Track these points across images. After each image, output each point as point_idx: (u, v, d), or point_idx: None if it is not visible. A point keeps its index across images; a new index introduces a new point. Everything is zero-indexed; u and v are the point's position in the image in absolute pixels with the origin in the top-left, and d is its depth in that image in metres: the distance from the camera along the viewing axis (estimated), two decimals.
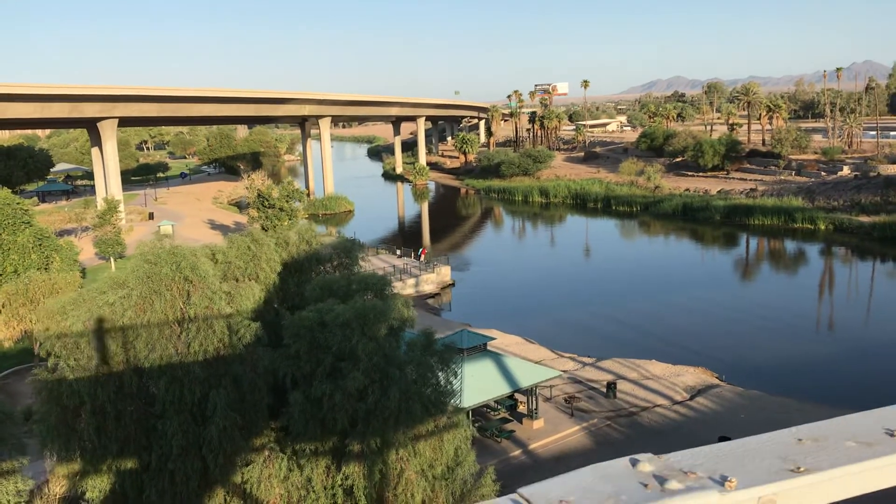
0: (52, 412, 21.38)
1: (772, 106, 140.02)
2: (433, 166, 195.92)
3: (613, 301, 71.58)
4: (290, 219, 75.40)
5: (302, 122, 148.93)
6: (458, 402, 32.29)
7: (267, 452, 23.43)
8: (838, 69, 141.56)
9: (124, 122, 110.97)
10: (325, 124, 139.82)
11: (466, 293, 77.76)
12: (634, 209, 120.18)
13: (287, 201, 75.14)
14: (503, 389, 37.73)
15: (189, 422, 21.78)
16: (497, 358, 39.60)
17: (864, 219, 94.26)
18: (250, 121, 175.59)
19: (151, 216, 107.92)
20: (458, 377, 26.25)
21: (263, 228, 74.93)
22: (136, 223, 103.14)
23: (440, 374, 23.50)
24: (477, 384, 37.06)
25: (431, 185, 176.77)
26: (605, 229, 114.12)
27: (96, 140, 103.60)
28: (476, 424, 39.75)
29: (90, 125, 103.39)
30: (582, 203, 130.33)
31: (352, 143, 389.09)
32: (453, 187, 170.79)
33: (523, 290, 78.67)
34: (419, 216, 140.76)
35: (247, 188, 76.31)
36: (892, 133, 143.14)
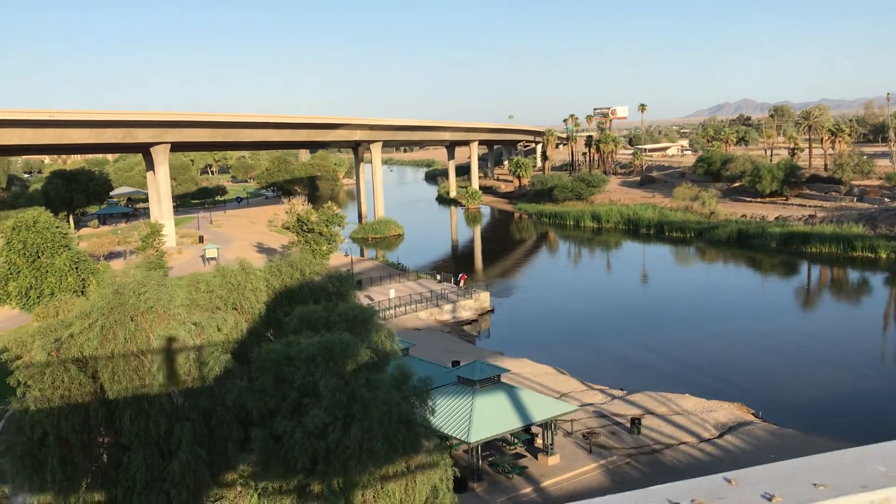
0: (18, 443, 21.24)
1: (834, 130, 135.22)
2: (487, 190, 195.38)
3: (656, 330, 69.43)
4: (328, 243, 75.54)
5: (355, 146, 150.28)
6: (467, 435, 31.26)
7: (238, 488, 22.87)
8: None
9: (177, 147, 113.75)
10: (376, 149, 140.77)
11: (505, 320, 76.58)
12: (688, 235, 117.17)
13: (327, 226, 75.33)
14: (514, 424, 36.48)
15: (155, 455, 21.38)
16: (511, 390, 38.39)
17: None
18: (302, 146, 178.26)
19: (201, 239, 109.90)
20: (435, 413, 25.28)
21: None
22: (186, 246, 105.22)
23: (417, 411, 22.64)
24: (487, 417, 35.94)
25: (485, 210, 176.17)
26: (657, 256, 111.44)
27: (150, 164, 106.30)
28: (489, 459, 38.66)
29: (144, 150, 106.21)
30: (634, 228, 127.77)
31: (412, 166, 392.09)
32: (507, 211, 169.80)
33: (564, 318, 77.08)
34: (470, 240, 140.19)
35: (287, 212, 76.73)
36: None
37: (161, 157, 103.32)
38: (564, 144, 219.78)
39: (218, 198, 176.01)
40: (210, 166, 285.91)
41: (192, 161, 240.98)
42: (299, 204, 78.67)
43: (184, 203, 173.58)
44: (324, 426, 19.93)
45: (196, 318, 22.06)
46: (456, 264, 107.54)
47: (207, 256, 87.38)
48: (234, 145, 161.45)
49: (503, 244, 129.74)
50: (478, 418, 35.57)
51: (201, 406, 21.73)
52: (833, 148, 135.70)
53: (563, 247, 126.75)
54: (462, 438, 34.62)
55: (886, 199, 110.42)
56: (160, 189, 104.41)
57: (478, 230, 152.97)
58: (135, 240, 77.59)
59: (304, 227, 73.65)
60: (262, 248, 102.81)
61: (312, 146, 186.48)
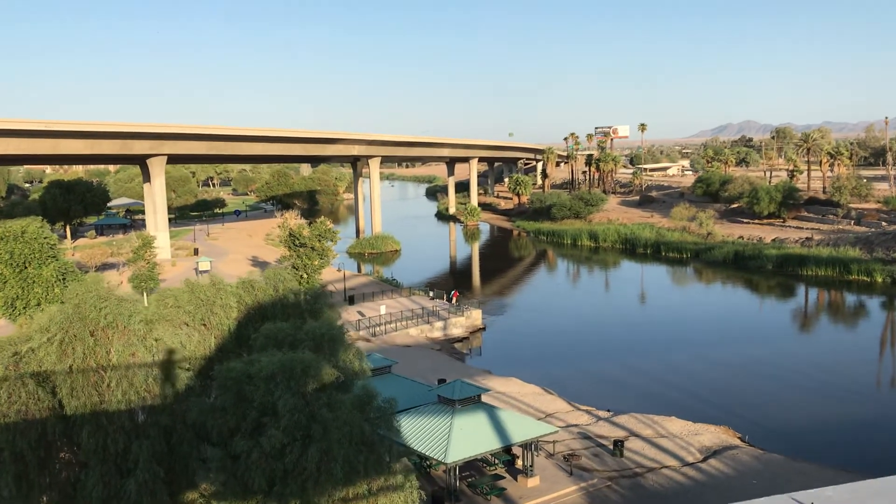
0: None
1: (833, 153, 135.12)
2: (487, 207, 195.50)
3: (647, 352, 69.02)
4: (321, 258, 75.31)
5: (353, 161, 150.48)
6: (444, 456, 30.69)
7: None
8: None
9: (174, 159, 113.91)
10: (374, 164, 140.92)
11: (497, 338, 76.15)
12: (685, 255, 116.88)
13: (319, 240, 75.12)
14: (493, 444, 36.06)
15: (112, 473, 21.06)
16: (491, 410, 37.98)
17: None
18: (300, 160, 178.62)
19: (197, 252, 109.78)
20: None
21: (294, 267, 75.16)
22: (181, 258, 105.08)
23: (381, 432, 22.31)
24: (466, 437, 35.53)
25: (484, 227, 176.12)
26: (653, 276, 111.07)
27: (147, 176, 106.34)
28: (469, 479, 38.22)
29: (141, 162, 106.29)
30: (631, 248, 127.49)
31: (413, 182, 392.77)
32: (505, 229, 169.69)
33: (556, 337, 76.67)
34: (468, 257, 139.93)
35: (279, 227, 76.55)
36: None
37: (157, 168, 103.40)
38: (565, 163, 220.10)
39: (217, 210, 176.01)
40: (211, 179, 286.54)
41: (193, 173, 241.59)
42: (292, 218, 78.46)
43: (182, 215, 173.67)
44: (282, 447, 19.62)
45: (159, 334, 21.79)
46: (452, 281, 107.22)
47: (200, 269, 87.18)
48: (231, 158, 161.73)
49: (500, 262, 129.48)
50: (456, 438, 35.18)
51: (161, 423, 21.43)
52: (832, 170, 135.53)
53: (559, 265, 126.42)
54: (439, 458, 34.21)
55: (884, 223, 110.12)
56: (156, 201, 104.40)
57: (476, 247, 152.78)
58: (126, 251, 77.43)
59: (296, 242, 73.44)
60: (256, 262, 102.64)
61: (310, 160, 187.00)
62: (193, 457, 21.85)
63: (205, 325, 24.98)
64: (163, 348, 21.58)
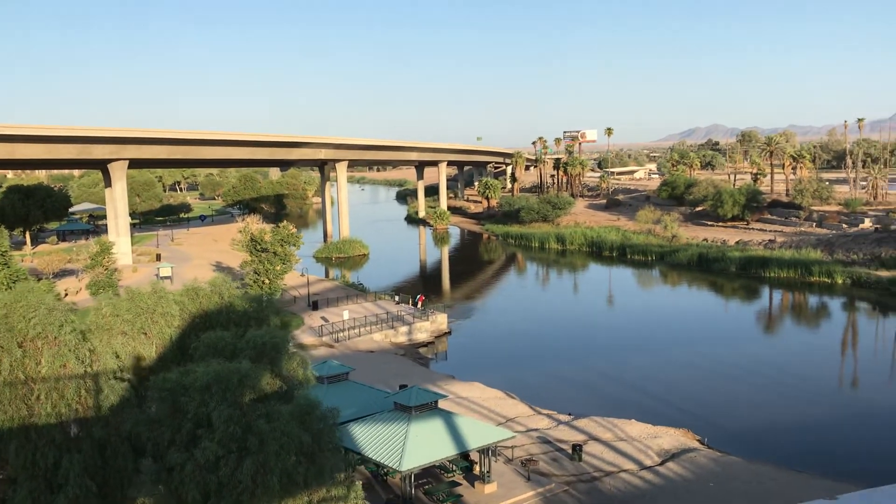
0: None
1: (795, 156, 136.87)
2: (457, 211, 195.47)
3: (611, 354, 69.22)
4: (283, 263, 74.51)
5: (321, 165, 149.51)
6: (399, 464, 30.21)
7: None
8: (860, 120, 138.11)
9: (136, 163, 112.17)
10: (341, 168, 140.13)
11: (462, 342, 75.84)
12: (650, 258, 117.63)
13: (282, 245, 74.32)
14: (449, 451, 35.70)
15: (42, 489, 20.41)
16: (448, 417, 37.62)
17: (884, 273, 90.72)
18: (266, 164, 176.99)
19: (159, 257, 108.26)
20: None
21: (256, 273, 74.29)
22: (142, 264, 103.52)
23: (324, 442, 21.85)
24: (422, 445, 35.13)
25: (454, 230, 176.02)
26: (618, 278, 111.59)
27: (109, 181, 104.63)
28: (426, 487, 37.82)
29: (102, 166, 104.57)
30: (598, 251, 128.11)
31: (384, 185, 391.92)
32: (475, 232, 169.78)
33: (521, 340, 76.61)
34: (437, 262, 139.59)
35: (240, 232, 75.66)
36: None
37: (119, 173, 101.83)
38: (534, 166, 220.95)
39: (182, 215, 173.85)
40: (179, 183, 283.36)
41: (159, 178, 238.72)
42: (254, 223, 77.58)
43: (147, 220, 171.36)
44: (216, 459, 19.12)
45: (94, 344, 21.17)
46: (422, 285, 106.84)
47: (161, 275, 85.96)
48: (196, 163, 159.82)
49: (468, 265, 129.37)
50: (411, 445, 34.77)
51: (95, 436, 20.81)
52: (794, 174, 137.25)
53: (526, 268, 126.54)
54: (394, 467, 33.78)
55: (844, 226, 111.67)
56: (117, 206, 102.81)
57: (445, 251, 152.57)
58: (84, 258, 76.02)
59: (258, 247, 72.58)
60: (219, 267, 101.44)
61: (277, 164, 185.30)
62: (129, 470, 21.24)
63: (145, 333, 24.38)
64: (97, 359, 20.97)
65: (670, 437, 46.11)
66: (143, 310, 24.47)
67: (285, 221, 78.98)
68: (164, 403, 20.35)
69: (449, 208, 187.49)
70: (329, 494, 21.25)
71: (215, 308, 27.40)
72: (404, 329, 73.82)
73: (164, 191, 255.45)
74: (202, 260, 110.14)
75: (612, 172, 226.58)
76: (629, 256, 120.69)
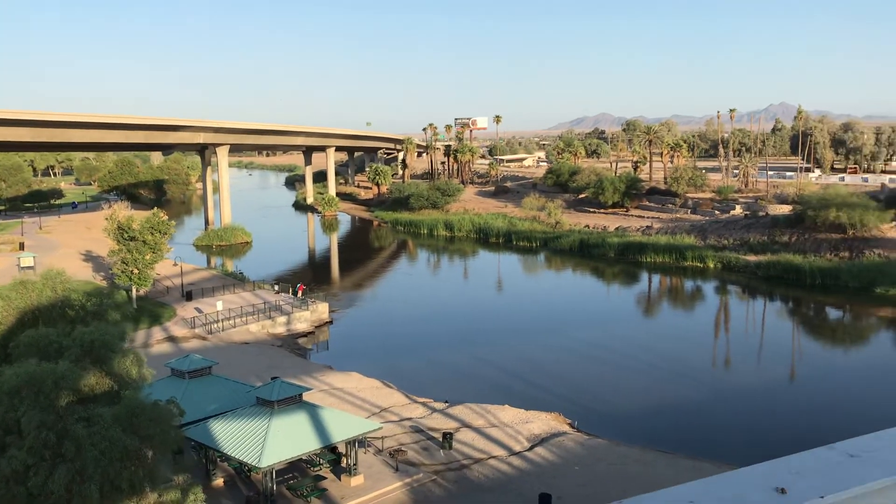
0: None
1: (673, 145, 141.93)
2: (347, 197, 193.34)
3: (491, 340, 69.66)
4: (153, 252, 71.31)
5: (201, 149, 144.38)
6: (259, 460, 29.04)
7: None
8: (731, 110, 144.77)
9: None
10: (222, 153, 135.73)
11: (344, 332, 74.80)
12: (534, 244, 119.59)
13: (151, 233, 71.04)
14: (313, 445, 34.82)
15: None
16: (312, 410, 36.68)
17: (752, 258, 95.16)
18: (140, 148, 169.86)
19: (22, 246, 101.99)
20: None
21: (124, 262, 70.81)
22: (4, 253, 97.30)
23: (154, 442, 20.59)
24: (283, 439, 34.11)
25: (344, 217, 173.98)
26: (504, 265, 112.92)
27: None
28: (290, 482, 36.83)
29: None
30: (485, 237, 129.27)
31: (274, 171, 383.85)
32: (365, 219, 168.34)
33: (404, 328, 76.24)
34: (326, 249, 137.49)
35: (106, 219, 71.88)
36: (788, 174, 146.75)
37: None
38: (426, 153, 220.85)
39: (53, 202, 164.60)
40: (52, 168, 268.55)
41: (30, 162, 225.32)
42: (121, 210, 73.86)
43: (14, 206, 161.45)
44: (25, 468, 17.61)
45: None
46: (311, 274, 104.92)
47: (22, 265, 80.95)
48: (65, 146, 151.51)
49: (357, 252, 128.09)
50: (272, 441, 33.70)
51: None
52: (672, 162, 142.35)
53: (415, 255, 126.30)
54: (253, 463, 32.65)
55: (717, 212, 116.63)
56: None
57: (334, 238, 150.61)
58: None
59: (125, 235, 69.14)
60: (89, 257, 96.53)
61: (154, 148, 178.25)
62: None
63: None
64: None
65: (541, 422, 46.69)
66: None
67: (156, 209, 75.56)
68: None
69: (339, 195, 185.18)
70: (161, 499, 20.05)
71: (47, 303, 25.51)
72: (283, 319, 72.11)
73: (36, 175, 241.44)
74: (71, 249, 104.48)
75: (502, 160, 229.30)
76: (515, 243, 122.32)
